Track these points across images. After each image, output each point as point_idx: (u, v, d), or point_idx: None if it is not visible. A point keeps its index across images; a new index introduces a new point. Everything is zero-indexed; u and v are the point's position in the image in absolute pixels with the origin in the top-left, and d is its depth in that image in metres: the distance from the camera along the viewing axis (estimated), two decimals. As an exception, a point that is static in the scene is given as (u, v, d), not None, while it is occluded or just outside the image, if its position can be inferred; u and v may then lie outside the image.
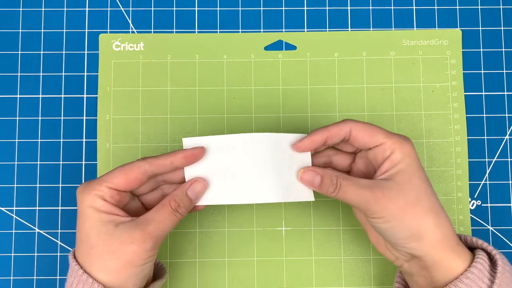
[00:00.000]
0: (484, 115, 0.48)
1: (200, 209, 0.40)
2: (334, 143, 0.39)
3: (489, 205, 0.47)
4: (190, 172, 0.38)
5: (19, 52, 0.49)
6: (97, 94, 0.48)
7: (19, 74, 0.48)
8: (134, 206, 0.40)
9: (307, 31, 0.49)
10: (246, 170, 0.38)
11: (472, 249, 0.38)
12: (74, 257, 0.37)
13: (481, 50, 0.49)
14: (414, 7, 0.50)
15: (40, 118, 0.48)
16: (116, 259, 0.35)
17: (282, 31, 0.49)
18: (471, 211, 0.47)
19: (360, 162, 0.40)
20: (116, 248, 0.35)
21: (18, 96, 0.48)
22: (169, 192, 0.39)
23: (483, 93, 0.49)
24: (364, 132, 0.37)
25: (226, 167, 0.38)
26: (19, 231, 0.47)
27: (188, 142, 0.39)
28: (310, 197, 0.39)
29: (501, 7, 0.50)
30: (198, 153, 0.38)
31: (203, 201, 0.39)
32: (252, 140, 0.38)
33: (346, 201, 0.37)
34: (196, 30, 0.49)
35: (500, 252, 0.37)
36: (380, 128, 0.38)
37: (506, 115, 0.49)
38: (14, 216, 0.47)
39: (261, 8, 0.50)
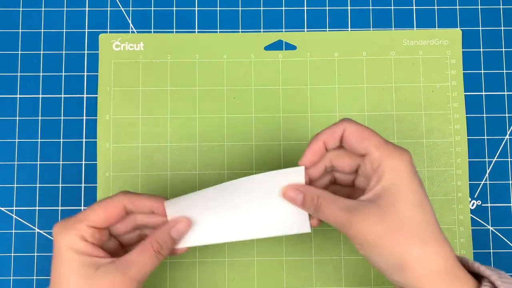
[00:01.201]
0: (484, 115, 0.48)
1: (181, 252, 0.38)
2: (334, 146, 0.36)
3: (489, 205, 0.47)
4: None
5: (19, 52, 0.49)
6: (97, 94, 0.48)
7: (19, 74, 0.48)
8: (112, 244, 0.38)
9: (307, 31, 0.49)
10: (233, 208, 0.36)
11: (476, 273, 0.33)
12: None
13: (481, 50, 0.49)
14: (414, 7, 0.50)
15: (40, 118, 0.48)
16: None
17: (282, 31, 0.49)
18: (471, 211, 0.47)
19: (361, 179, 0.36)
20: None
21: (18, 96, 0.48)
22: (148, 233, 0.37)
23: (483, 93, 0.49)
24: (354, 135, 0.34)
25: (210, 206, 0.36)
26: (19, 231, 0.47)
27: (171, 206, 0.36)
28: (306, 228, 0.36)
29: (501, 7, 0.50)
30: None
31: (187, 243, 0.37)
32: (239, 186, 0.36)
33: (327, 222, 0.34)
34: (196, 30, 0.49)
35: (507, 279, 0.32)
36: (375, 134, 0.34)
37: (506, 115, 0.49)
38: (14, 216, 0.47)
39: (261, 8, 0.50)
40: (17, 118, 0.48)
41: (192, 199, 0.37)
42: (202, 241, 0.37)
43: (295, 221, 0.36)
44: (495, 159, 0.48)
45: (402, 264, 0.31)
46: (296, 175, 0.36)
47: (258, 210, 0.36)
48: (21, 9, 0.49)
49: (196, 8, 0.50)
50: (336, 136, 0.35)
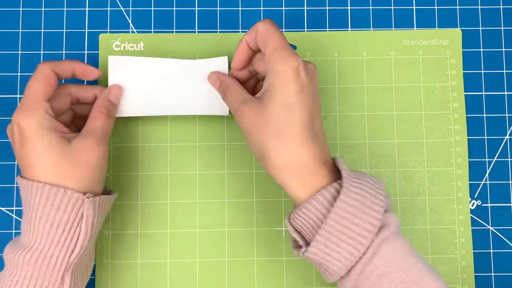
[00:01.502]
0: (484, 115, 0.48)
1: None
2: (254, 45, 0.40)
3: (489, 205, 0.47)
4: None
5: (19, 52, 0.49)
6: (97, 94, 0.48)
7: (19, 74, 0.48)
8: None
9: (307, 31, 0.49)
10: (168, 85, 0.44)
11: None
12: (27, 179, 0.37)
13: (481, 50, 0.49)
14: (414, 7, 0.50)
15: (40, 118, 0.48)
16: (83, 166, 0.37)
17: (282, 31, 0.49)
18: (471, 211, 0.47)
19: None
20: (79, 157, 0.37)
21: (18, 96, 0.48)
22: (80, 112, 0.43)
23: (483, 93, 0.49)
24: (261, 35, 0.38)
25: (149, 78, 0.44)
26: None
27: (115, 65, 0.44)
28: (224, 112, 0.45)
29: (501, 7, 0.50)
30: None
31: (126, 112, 0.44)
32: (175, 64, 0.45)
33: (229, 108, 0.41)
34: (196, 30, 0.49)
35: (356, 182, 0.35)
36: (280, 38, 0.37)
37: (506, 115, 0.49)
38: (14, 216, 0.47)
39: (261, 8, 0.50)
40: (17, 118, 0.48)
41: (135, 63, 0.45)
42: (138, 111, 0.44)
43: (218, 105, 0.44)
44: (495, 159, 0.48)
45: (263, 154, 0.36)
46: (222, 65, 0.45)
47: (189, 90, 0.45)
48: (21, 9, 0.49)
49: (196, 8, 0.50)
50: (253, 36, 0.39)
